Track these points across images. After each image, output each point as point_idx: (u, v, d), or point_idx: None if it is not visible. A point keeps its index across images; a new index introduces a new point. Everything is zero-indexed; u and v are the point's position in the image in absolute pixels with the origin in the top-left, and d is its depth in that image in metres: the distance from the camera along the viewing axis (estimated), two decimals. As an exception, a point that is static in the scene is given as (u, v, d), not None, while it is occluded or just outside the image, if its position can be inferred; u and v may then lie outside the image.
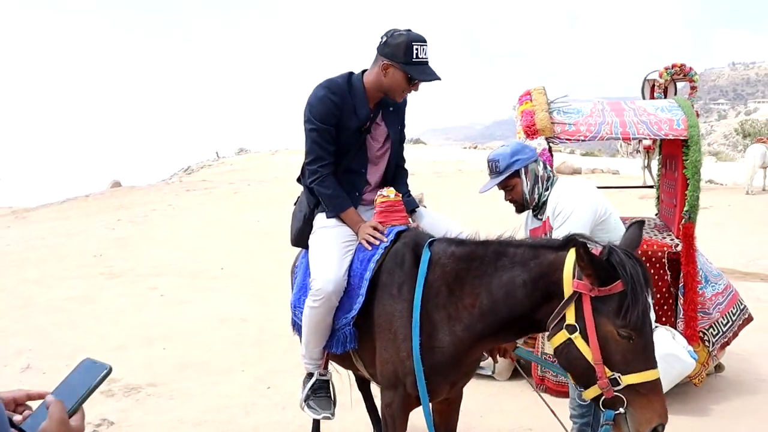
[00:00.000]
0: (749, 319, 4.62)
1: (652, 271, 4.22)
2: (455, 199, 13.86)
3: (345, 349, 2.69)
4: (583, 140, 4.21)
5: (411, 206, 2.98)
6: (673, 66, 15.10)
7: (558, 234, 2.75)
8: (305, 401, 2.90)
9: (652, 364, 1.98)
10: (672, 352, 3.95)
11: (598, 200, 2.94)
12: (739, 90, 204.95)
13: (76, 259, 9.74)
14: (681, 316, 4.16)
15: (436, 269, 2.42)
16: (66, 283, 8.29)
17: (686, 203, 4.10)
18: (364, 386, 3.78)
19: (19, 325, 6.51)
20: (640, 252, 4.17)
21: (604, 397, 1.98)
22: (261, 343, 5.76)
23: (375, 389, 3.72)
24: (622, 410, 1.96)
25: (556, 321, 2.06)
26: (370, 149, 2.94)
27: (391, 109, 2.93)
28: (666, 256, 4.19)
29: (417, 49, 2.65)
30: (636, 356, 1.96)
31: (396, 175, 3.08)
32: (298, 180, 3.16)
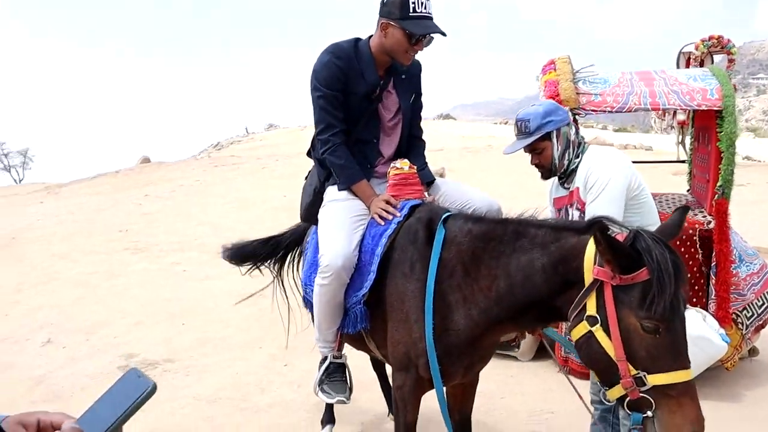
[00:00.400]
0: (787, 300, 4.39)
1: (682, 249, 4.01)
2: (485, 175, 13.63)
3: (356, 329, 2.57)
4: (609, 111, 3.99)
5: (427, 179, 2.83)
6: (710, 38, 14.49)
7: (592, 208, 2.54)
8: (319, 385, 2.79)
9: (683, 363, 1.76)
10: (703, 335, 3.75)
11: (631, 171, 2.73)
12: None
13: (102, 234, 9.82)
14: (712, 297, 3.95)
15: (451, 248, 2.28)
16: (92, 258, 8.36)
17: (720, 178, 3.85)
18: (378, 367, 3.69)
19: (44, 298, 6.59)
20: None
21: (629, 398, 1.78)
22: (279, 321, 5.69)
23: (390, 370, 3.63)
24: (650, 413, 1.75)
25: (577, 311, 1.88)
26: (382, 119, 2.79)
27: (403, 76, 2.78)
28: (697, 233, 3.97)
29: (414, 3, 2.50)
30: (664, 353, 1.75)
31: (411, 147, 2.93)
32: (308, 154, 3.04)
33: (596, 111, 4.02)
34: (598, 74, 4.22)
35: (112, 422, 0.96)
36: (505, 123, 39.27)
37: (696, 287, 4.04)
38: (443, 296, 2.26)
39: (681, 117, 6.28)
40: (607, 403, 2.08)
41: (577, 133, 2.74)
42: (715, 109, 3.87)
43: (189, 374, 4.55)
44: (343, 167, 2.68)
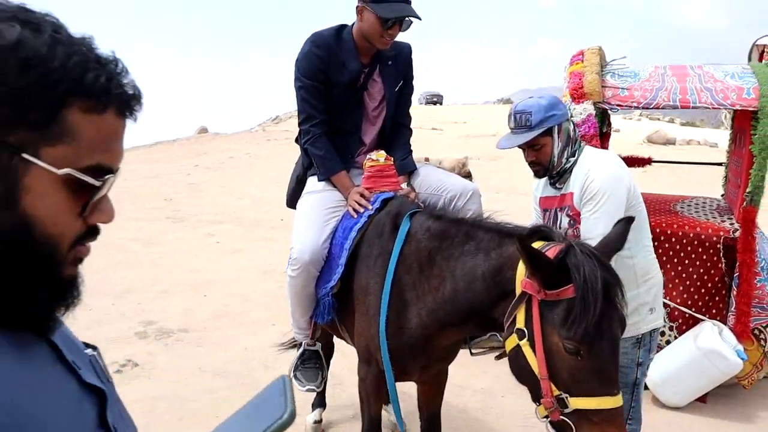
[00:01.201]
0: (819, 318, 4.12)
1: (704, 257, 3.82)
2: (513, 163, 13.32)
3: (325, 320, 2.57)
4: (636, 107, 3.81)
5: (407, 169, 2.76)
6: (788, 31, 13.40)
7: (590, 223, 2.34)
8: (294, 371, 2.82)
9: (610, 390, 1.63)
10: (716, 349, 3.59)
11: (631, 181, 2.51)
12: None
13: (148, 202, 10.14)
14: (732, 309, 3.75)
15: (412, 243, 2.23)
16: (135, 224, 8.63)
17: (750, 184, 3.62)
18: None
19: (84, 262, 6.84)
20: (692, 235, 3.82)
21: (550, 417, 1.69)
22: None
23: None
24: None
25: (509, 323, 1.79)
26: (367, 108, 2.74)
27: (390, 62, 2.71)
28: (722, 241, 3.76)
29: None
30: (587, 377, 1.63)
31: (396, 135, 2.85)
32: (296, 140, 3.01)
33: (621, 106, 3.84)
34: (628, 67, 4.03)
35: None
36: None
37: (717, 298, 3.85)
38: (400, 293, 2.22)
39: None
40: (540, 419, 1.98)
41: (575, 128, 2.57)
42: (751, 109, 3.63)
43: (200, 345, 4.65)
44: (323, 158, 2.65)
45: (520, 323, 1.75)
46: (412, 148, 2.89)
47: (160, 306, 5.49)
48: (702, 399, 3.81)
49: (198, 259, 7.01)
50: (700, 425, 3.64)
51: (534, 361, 1.70)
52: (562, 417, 1.66)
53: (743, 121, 3.96)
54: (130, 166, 14.94)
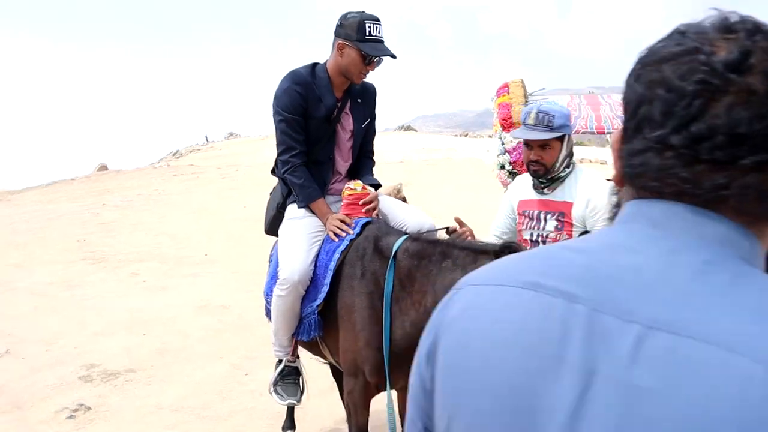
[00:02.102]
0: None
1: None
2: (443, 187, 13.89)
3: (310, 337, 2.75)
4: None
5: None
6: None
7: (593, 228, 2.56)
8: (273, 386, 2.96)
9: None
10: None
11: None
12: None
13: (59, 244, 9.70)
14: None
15: (395, 264, 2.46)
16: (49, 268, 8.27)
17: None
18: (337, 374, 3.84)
19: (0, 308, 6.51)
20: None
21: None
22: (240, 330, 5.80)
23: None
24: None
25: None
26: (340, 139, 2.98)
27: (359, 100, 2.98)
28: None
29: (369, 27, 2.73)
30: None
31: (362, 165, 3.12)
32: (272, 172, 3.20)
33: (547, 132, 4.27)
34: (548, 98, 4.49)
35: None
36: (465, 135, 39.86)
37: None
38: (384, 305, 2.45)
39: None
40: None
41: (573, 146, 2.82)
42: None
43: (150, 384, 4.61)
44: (303, 186, 2.85)
45: None
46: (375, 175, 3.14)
47: (97, 348, 5.35)
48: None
49: (126, 299, 6.84)
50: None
51: None
52: None
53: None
54: (28, 207, 14.19)
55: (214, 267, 8.33)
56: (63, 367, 4.90)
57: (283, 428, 3.67)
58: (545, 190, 2.76)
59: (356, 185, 2.86)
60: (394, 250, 2.48)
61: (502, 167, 4.89)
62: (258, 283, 7.12)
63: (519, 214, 2.88)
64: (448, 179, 15.23)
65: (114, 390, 4.50)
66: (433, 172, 17.08)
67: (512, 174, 4.60)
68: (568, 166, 2.73)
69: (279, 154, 2.91)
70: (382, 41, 2.78)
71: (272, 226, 3.15)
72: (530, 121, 2.69)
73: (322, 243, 2.79)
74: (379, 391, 2.62)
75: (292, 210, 2.93)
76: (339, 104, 2.92)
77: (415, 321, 2.35)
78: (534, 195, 2.80)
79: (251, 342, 5.47)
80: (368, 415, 2.70)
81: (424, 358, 0.78)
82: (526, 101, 4.36)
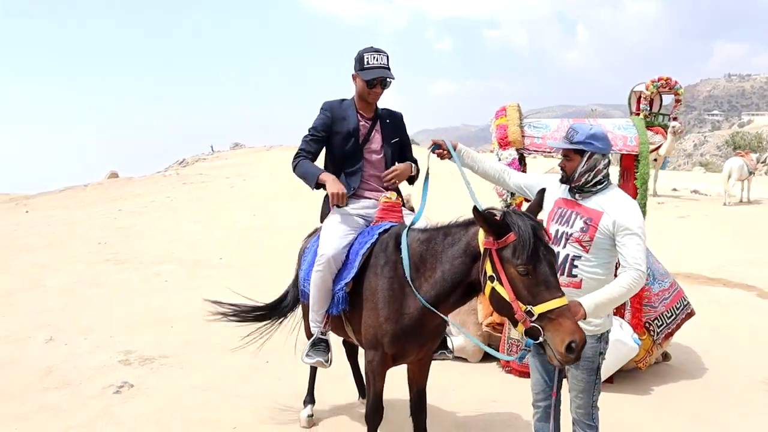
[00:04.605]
0: (691, 313, 5.26)
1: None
2: (442, 202, 14.42)
3: (339, 310, 3.31)
4: (548, 152, 4.83)
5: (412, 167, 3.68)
6: (659, 79, 15.75)
7: (625, 243, 2.89)
8: (305, 353, 3.52)
9: (556, 294, 2.45)
10: (619, 338, 4.58)
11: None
12: (734, 102, 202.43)
13: (81, 246, 10.27)
14: (628, 308, 4.80)
15: (409, 250, 3.04)
16: (73, 268, 8.83)
17: (635, 209, 4.70)
18: (352, 356, 4.40)
19: (35, 303, 7.07)
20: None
21: (524, 328, 2.48)
22: (257, 328, 6.34)
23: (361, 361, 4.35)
24: (542, 339, 2.45)
25: (482, 275, 2.65)
26: (370, 154, 3.60)
27: (387, 121, 3.61)
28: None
29: (368, 58, 3.42)
30: (540, 288, 2.45)
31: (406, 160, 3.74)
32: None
33: (537, 151, 4.87)
34: (541, 120, 5.09)
35: None
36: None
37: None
38: (401, 287, 3.04)
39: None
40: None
41: (608, 165, 3.13)
42: (634, 153, 4.75)
43: (183, 368, 5.16)
44: (305, 173, 3.51)
45: (489, 271, 2.60)
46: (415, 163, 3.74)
47: (131, 338, 5.90)
48: (609, 380, 4.78)
49: (151, 297, 7.39)
50: (608, 400, 4.59)
51: (504, 292, 2.53)
52: (532, 324, 2.46)
53: (629, 162, 5.08)
54: (47, 212, 14.78)
55: (230, 270, 8.88)
56: (103, 353, 5.45)
57: (304, 402, 4.23)
58: (577, 196, 3.11)
59: (391, 195, 3.47)
60: (403, 240, 3.06)
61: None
62: (272, 285, 7.74)
63: (552, 209, 3.19)
64: (448, 194, 15.77)
65: (151, 372, 5.05)
66: (434, 186, 17.60)
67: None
68: (599, 183, 3.07)
69: (293, 158, 3.61)
70: (382, 67, 3.43)
71: (324, 216, 3.75)
72: (562, 134, 3.19)
73: (356, 236, 3.39)
74: (395, 363, 3.17)
75: (334, 208, 3.54)
76: (369, 123, 3.58)
77: (427, 292, 2.91)
78: (569, 196, 3.16)
79: (270, 335, 6.02)
80: (384, 381, 3.25)
81: None
82: (521, 123, 4.93)
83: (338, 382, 4.75)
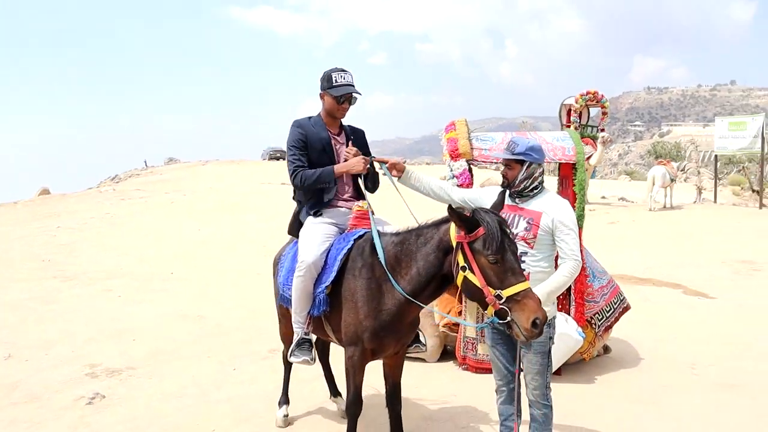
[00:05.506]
0: (627, 307, 5.78)
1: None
2: (382, 214, 14.77)
3: (320, 312, 3.56)
4: (495, 163, 5.24)
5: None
6: (587, 93, 16.91)
7: (565, 239, 3.33)
8: (291, 353, 3.76)
9: (521, 279, 2.86)
10: (565, 332, 5.02)
11: None
12: (654, 113, 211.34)
13: (25, 263, 10.07)
14: (573, 303, 5.26)
15: (385, 254, 3.35)
16: (22, 285, 8.69)
17: (575, 212, 5.17)
18: (324, 359, 4.64)
19: (-15, 322, 6.94)
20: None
21: (494, 309, 2.85)
22: (221, 336, 6.50)
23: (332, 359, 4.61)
24: (509, 318, 2.81)
25: (455, 266, 3.01)
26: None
27: (352, 137, 3.89)
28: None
29: (335, 77, 3.72)
30: (507, 275, 2.85)
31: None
32: (293, 198, 4.05)
33: (485, 162, 5.29)
34: (488, 134, 5.51)
35: None
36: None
37: (561, 297, 5.32)
38: (378, 286, 3.34)
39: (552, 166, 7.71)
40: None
41: (542, 173, 3.59)
42: (571, 162, 5.23)
43: (152, 378, 5.27)
44: (318, 178, 3.71)
45: (461, 262, 2.96)
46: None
47: (94, 351, 5.94)
48: (558, 372, 5.22)
49: (106, 311, 7.38)
50: (558, 390, 5.01)
51: (475, 279, 2.90)
52: (501, 306, 2.83)
53: (567, 171, 5.56)
54: (-22, 230, 14.24)
55: (183, 284, 8.94)
56: (67, 367, 5.49)
57: (279, 403, 4.45)
58: (517, 201, 3.54)
59: (363, 204, 3.75)
60: (378, 244, 3.36)
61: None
62: (226, 297, 7.89)
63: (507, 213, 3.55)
64: (386, 206, 16.16)
65: (120, 383, 5.14)
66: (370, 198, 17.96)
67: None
68: (535, 188, 3.50)
69: (291, 177, 3.77)
70: (349, 85, 3.74)
71: (291, 228, 4.03)
72: (504, 146, 3.60)
73: (333, 242, 3.66)
74: (373, 358, 3.46)
75: (310, 218, 3.80)
76: (337, 138, 3.85)
77: (404, 288, 3.21)
78: (510, 202, 3.57)
79: (233, 344, 6.20)
80: (363, 375, 3.53)
81: None
82: (469, 136, 5.34)
83: (309, 383, 5.00)
